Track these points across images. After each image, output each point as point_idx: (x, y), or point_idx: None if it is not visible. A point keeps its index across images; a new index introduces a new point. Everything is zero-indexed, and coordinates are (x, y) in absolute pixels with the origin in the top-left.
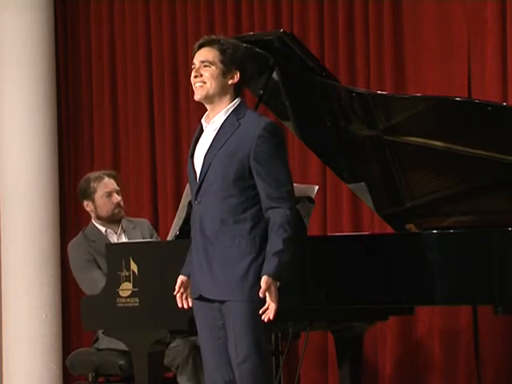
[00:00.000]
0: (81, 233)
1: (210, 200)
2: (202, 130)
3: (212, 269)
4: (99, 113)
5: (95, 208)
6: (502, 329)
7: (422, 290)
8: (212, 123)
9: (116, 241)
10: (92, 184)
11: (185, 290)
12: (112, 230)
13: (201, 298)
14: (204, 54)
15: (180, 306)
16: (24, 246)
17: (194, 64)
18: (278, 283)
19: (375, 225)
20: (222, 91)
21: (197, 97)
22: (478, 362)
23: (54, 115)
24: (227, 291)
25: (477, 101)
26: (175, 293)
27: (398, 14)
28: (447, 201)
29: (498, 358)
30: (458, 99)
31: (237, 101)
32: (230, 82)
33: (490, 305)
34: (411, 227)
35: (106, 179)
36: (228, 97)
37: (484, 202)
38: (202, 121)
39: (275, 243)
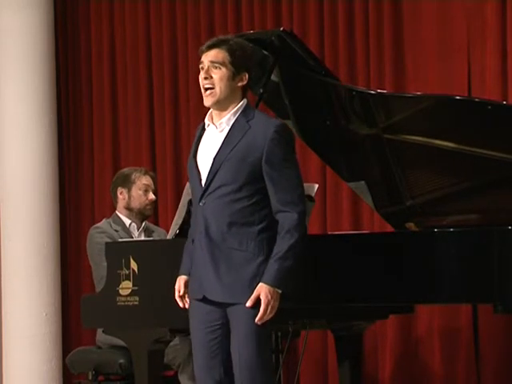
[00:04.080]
0: (104, 220)
1: (217, 202)
2: (203, 129)
3: (219, 272)
4: (99, 113)
5: (129, 197)
6: (502, 328)
7: (422, 289)
8: (220, 124)
9: (137, 236)
10: (135, 174)
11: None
12: (136, 224)
13: (203, 300)
14: (213, 54)
15: (182, 306)
16: (24, 246)
17: (202, 63)
18: (280, 290)
19: (375, 223)
20: (232, 94)
21: (207, 103)
22: (478, 361)
23: (54, 115)
24: (235, 294)
25: (477, 99)
26: (180, 294)
27: (398, 14)
28: (447, 199)
29: (497, 358)
30: (457, 98)
31: (244, 102)
32: (239, 84)
33: (490, 303)
34: (411, 226)
35: (148, 176)
36: (236, 98)
37: (484, 200)
38: (206, 120)
39: (280, 248)
